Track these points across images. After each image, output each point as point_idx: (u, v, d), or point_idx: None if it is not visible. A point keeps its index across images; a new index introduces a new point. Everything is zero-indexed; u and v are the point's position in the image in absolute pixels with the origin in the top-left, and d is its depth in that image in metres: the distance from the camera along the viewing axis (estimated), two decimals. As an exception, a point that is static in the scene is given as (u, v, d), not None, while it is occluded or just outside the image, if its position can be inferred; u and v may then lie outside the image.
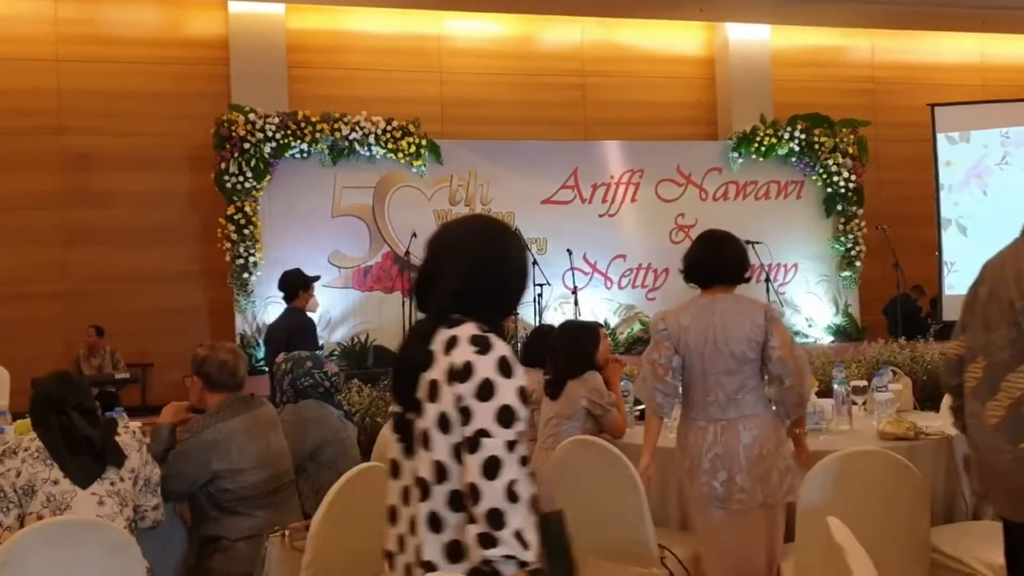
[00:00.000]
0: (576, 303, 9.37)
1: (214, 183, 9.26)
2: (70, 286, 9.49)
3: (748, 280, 3.27)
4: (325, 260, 9.69)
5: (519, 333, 8.96)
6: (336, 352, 8.98)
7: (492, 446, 1.66)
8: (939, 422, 3.87)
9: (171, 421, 3.19)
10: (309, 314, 5.85)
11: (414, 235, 9.53)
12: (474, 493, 1.65)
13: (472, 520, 1.66)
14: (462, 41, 10.90)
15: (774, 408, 3.11)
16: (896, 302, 10.57)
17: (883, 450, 2.99)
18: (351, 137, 9.53)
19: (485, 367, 1.70)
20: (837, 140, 11.06)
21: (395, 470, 1.85)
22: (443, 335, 1.77)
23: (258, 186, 9.31)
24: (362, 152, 9.66)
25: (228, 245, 9.22)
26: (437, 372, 1.73)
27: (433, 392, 1.73)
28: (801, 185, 11.27)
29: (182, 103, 9.78)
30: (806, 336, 10.91)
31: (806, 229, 11.24)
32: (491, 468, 1.66)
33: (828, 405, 3.99)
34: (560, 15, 10.94)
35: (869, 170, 11.34)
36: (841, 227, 11.22)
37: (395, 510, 1.85)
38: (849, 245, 11.19)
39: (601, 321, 9.26)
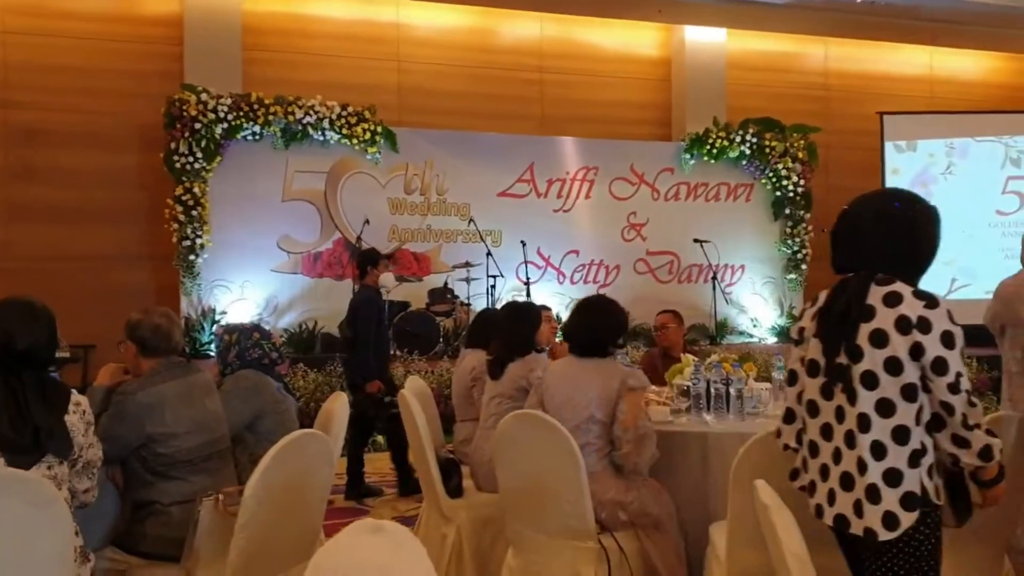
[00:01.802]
0: (528, 295, 9.40)
1: (163, 163, 9.10)
2: (12, 264, 9.22)
3: (621, 346, 3.49)
4: (274, 244, 9.59)
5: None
6: (283, 337, 8.88)
7: (965, 383, 2.09)
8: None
9: (107, 384, 3.14)
10: (382, 289, 6.15)
11: (367, 222, 9.47)
12: (950, 408, 2.07)
13: (964, 443, 2.08)
14: (421, 30, 10.86)
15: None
16: (839, 305, 10.79)
17: (814, 427, 3.05)
18: (305, 121, 9.43)
19: (940, 320, 2.07)
20: (787, 145, 11.25)
21: (813, 410, 2.23)
22: (878, 292, 2.10)
23: (208, 167, 9.17)
24: (316, 136, 9.58)
25: (176, 226, 9.07)
26: (881, 323, 2.08)
27: (879, 340, 2.08)
28: (751, 188, 11.44)
29: (133, 81, 9.59)
30: (751, 336, 11.09)
31: (754, 231, 11.42)
32: (972, 400, 2.10)
33: (766, 391, 4.07)
34: (520, 10, 10.96)
35: (818, 175, 11.56)
36: (788, 230, 11.41)
37: (816, 444, 2.21)
38: (795, 248, 11.39)
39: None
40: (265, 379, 3.59)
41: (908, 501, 2.05)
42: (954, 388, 2.07)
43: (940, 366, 2.05)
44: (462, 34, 11.05)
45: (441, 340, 8.92)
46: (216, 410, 3.14)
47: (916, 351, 2.06)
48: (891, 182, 11.24)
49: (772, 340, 11.07)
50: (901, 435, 2.07)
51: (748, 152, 11.19)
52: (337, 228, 9.84)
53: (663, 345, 5.64)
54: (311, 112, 9.44)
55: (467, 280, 9.43)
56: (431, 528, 3.85)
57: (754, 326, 11.27)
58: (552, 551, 3.22)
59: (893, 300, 2.08)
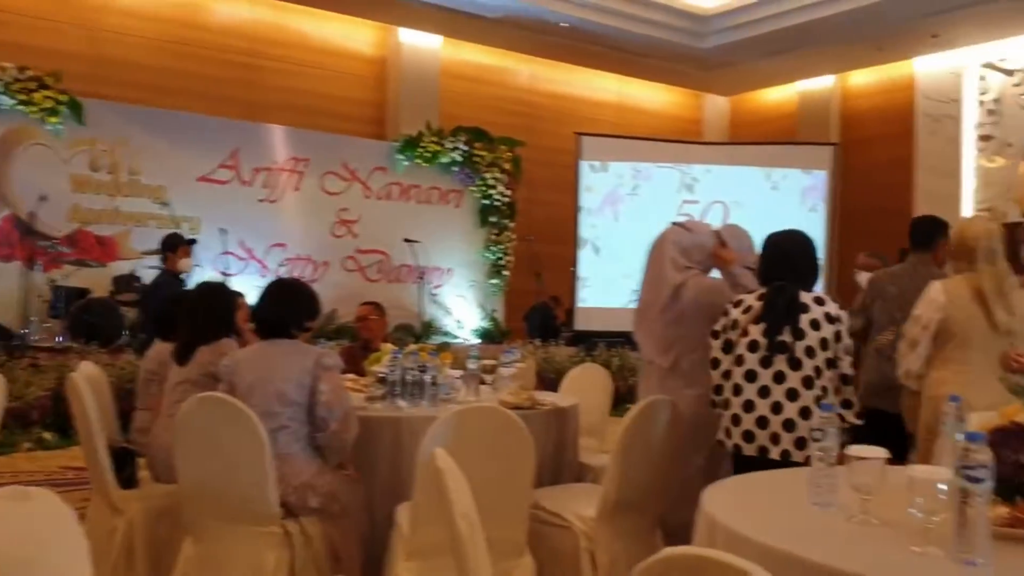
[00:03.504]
0: (227, 288, 8.98)
1: None
2: None
3: (309, 330, 3.54)
4: (-76, 218, 8.34)
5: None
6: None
7: (852, 349, 3.21)
8: (553, 398, 4.25)
9: None
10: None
11: (42, 198, 8.53)
12: (846, 380, 3.16)
13: (848, 404, 3.15)
14: (120, -2, 10.01)
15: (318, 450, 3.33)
16: (536, 310, 11.48)
17: (496, 407, 3.20)
18: (-28, 82, 8.31)
19: (843, 315, 3.17)
20: (495, 156, 11.78)
21: (752, 377, 3.10)
22: (807, 296, 3.13)
23: None
24: (-15, 100, 8.47)
25: None
26: (815, 315, 3.09)
27: (815, 326, 3.07)
28: (461, 194, 11.83)
29: None
30: (455, 336, 11.44)
31: (462, 236, 11.81)
32: (855, 365, 3.21)
33: (459, 380, 4.20)
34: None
35: (521, 187, 12.21)
36: (493, 238, 11.94)
37: (752, 403, 3.08)
38: (499, 255, 11.95)
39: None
40: None
41: None
42: (852, 365, 3.18)
43: (848, 348, 3.14)
44: (167, 7, 10.35)
45: (126, 332, 8.23)
46: None
47: (836, 336, 3.11)
48: (585, 199, 12.11)
49: (475, 341, 11.49)
50: (829, 391, 3.06)
51: (460, 159, 11.56)
52: (7, 203, 8.75)
53: (364, 337, 5.60)
54: (-20, 73, 8.34)
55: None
56: (97, 523, 3.51)
57: (459, 327, 11.64)
58: (233, 538, 3.08)
59: (820, 302, 3.13)
